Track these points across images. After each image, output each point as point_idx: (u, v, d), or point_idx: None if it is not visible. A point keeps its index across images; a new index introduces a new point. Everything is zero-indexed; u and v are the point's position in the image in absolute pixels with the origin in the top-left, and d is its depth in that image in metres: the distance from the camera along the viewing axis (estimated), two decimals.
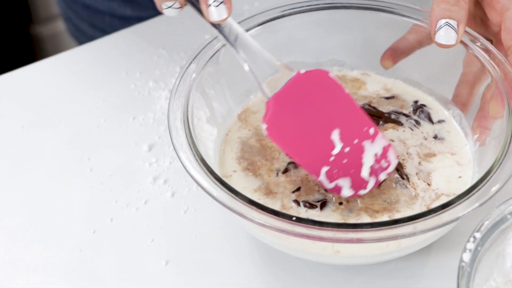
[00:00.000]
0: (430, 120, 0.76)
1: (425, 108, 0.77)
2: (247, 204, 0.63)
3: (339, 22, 0.78)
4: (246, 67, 0.69)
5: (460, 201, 0.62)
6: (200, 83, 0.73)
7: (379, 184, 0.70)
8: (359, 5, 0.77)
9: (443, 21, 0.69)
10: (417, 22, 0.76)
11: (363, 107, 0.77)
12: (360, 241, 0.61)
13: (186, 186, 0.77)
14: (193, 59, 0.74)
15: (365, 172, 0.69)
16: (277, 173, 0.72)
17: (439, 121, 0.76)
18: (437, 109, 0.77)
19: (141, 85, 0.87)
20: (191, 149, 0.67)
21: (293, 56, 0.79)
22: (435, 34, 0.70)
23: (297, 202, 0.70)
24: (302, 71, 0.68)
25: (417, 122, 0.76)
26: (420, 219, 0.61)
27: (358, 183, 0.69)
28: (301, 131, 0.68)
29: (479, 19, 0.76)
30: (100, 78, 0.88)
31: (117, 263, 0.72)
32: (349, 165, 0.68)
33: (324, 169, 0.68)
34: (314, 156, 0.68)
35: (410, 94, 0.79)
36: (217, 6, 0.66)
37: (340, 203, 0.69)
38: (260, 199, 0.70)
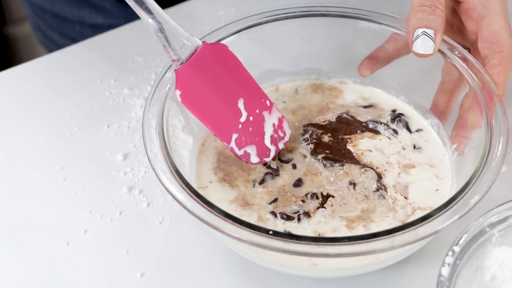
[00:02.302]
0: (408, 129, 0.76)
1: (403, 117, 0.77)
2: (223, 217, 0.62)
3: (316, 30, 0.78)
4: (156, 27, 0.68)
5: (439, 214, 0.62)
6: (176, 91, 0.72)
7: (278, 153, 0.73)
8: (336, 13, 0.76)
9: (420, 30, 0.69)
10: (395, 31, 0.75)
11: (341, 116, 0.76)
12: (337, 255, 0.60)
13: (162, 196, 0.76)
14: (169, 67, 0.73)
15: (267, 141, 0.72)
16: (254, 184, 0.71)
17: (417, 130, 0.76)
18: (415, 118, 0.77)
19: (116, 92, 0.86)
20: (166, 160, 0.66)
21: (269, 64, 0.79)
22: (412, 43, 0.69)
23: (274, 213, 0.69)
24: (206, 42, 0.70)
25: (395, 131, 0.75)
26: (398, 233, 0.60)
27: (263, 151, 0.72)
28: (212, 99, 0.70)
29: (456, 27, 0.75)
30: (74, 85, 0.86)
31: (91, 276, 0.70)
32: (254, 133, 0.72)
33: (234, 136, 0.71)
34: (225, 123, 0.71)
35: (388, 103, 0.78)
36: None
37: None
38: (237, 210, 0.69)
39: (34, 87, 0.87)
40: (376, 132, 0.75)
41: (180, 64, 0.69)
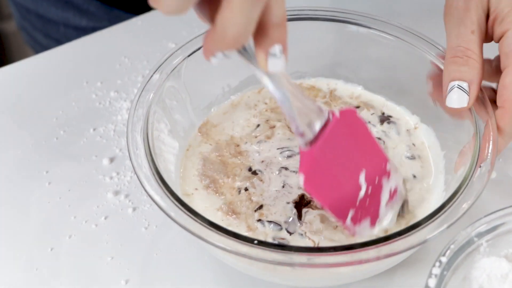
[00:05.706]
0: (397, 132, 0.75)
1: (392, 119, 0.76)
2: (207, 226, 0.61)
3: (305, 33, 0.76)
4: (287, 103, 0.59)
5: (427, 223, 0.61)
6: (162, 95, 0.71)
7: None
8: (325, 17, 0.75)
9: (453, 83, 0.67)
10: (383, 35, 0.74)
11: None
12: (324, 265, 0.59)
13: (148, 201, 0.75)
14: (156, 70, 0.72)
15: (383, 210, 0.66)
16: (240, 191, 0.70)
17: (407, 132, 0.75)
18: (404, 121, 0.76)
19: (102, 95, 0.85)
20: (150, 166, 0.65)
21: None
22: (446, 97, 0.67)
23: (261, 221, 0.68)
24: (336, 112, 0.62)
25: (385, 134, 0.75)
26: (386, 242, 0.60)
27: (376, 220, 0.66)
28: (335, 179, 0.63)
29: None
30: (60, 87, 0.85)
31: (75, 283, 0.70)
32: (370, 205, 0.65)
33: (350, 213, 0.64)
34: (344, 202, 0.64)
35: (377, 106, 0.77)
36: (278, 57, 0.56)
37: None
38: (223, 219, 0.68)
39: (19, 90, 0.86)
40: None
41: (309, 144, 0.61)
